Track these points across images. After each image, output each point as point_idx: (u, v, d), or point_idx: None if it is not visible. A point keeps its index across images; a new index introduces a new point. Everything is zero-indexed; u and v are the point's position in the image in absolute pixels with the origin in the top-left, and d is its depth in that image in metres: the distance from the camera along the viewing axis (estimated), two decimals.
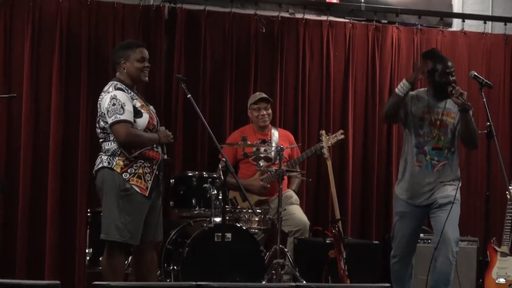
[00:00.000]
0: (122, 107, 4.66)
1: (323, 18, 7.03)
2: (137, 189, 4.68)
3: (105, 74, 6.45)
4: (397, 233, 5.27)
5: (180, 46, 6.64)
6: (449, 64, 5.10)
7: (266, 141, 6.33)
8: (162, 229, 4.94)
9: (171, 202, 5.85)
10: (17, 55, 6.38)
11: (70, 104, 6.46)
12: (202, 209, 5.81)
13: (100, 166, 4.76)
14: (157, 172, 4.78)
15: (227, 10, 6.80)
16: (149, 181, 4.73)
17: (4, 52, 6.35)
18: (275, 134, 6.41)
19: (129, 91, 4.77)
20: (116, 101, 4.67)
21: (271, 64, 6.89)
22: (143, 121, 4.73)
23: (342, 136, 6.27)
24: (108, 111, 4.67)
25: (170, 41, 6.68)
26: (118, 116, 4.64)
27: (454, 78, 5.09)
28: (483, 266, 5.95)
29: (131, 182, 4.68)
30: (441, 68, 5.08)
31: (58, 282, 3.81)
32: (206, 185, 5.70)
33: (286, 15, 7.00)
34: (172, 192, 5.89)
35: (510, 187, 6.02)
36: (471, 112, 5.06)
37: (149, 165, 4.74)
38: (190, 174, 5.87)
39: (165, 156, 4.86)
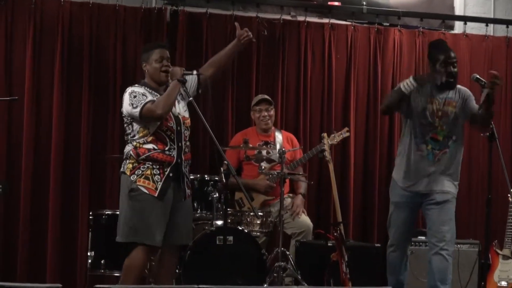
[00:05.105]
0: (143, 94, 4.70)
1: (325, 20, 7.02)
2: (145, 190, 4.69)
3: (106, 77, 6.46)
4: (393, 222, 5.32)
5: (181, 48, 6.64)
6: (452, 54, 5.14)
7: (269, 143, 6.32)
8: (190, 232, 4.98)
9: None
10: (19, 57, 6.37)
11: (72, 106, 6.45)
12: (204, 212, 5.84)
13: (120, 171, 4.87)
14: (170, 174, 4.76)
15: (228, 13, 6.80)
16: (159, 183, 4.72)
17: (5, 54, 6.34)
18: (278, 136, 6.40)
19: (152, 92, 4.79)
20: (135, 93, 4.72)
21: (272, 67, 6.88)
22: None
23: (348, 134, 6.25)
24: (131, 103, 4.69)
25: (171, 43, 6.66)
26: (142, 102, 4.66)
27: (456, 69, 5.12)
28: (485, 269, 5.94)
29: (138, 183, 4.70)
30: (443, 58, 5.10)
31: (59, 285, 3.82)
32: (208, 188, 5.71)
33: (288, 17, 6.99)
34: None
35: None
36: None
37: (158, 167, 4.73)
38: (192, 177, 5.87)
39: (187, 150, 4.89)
